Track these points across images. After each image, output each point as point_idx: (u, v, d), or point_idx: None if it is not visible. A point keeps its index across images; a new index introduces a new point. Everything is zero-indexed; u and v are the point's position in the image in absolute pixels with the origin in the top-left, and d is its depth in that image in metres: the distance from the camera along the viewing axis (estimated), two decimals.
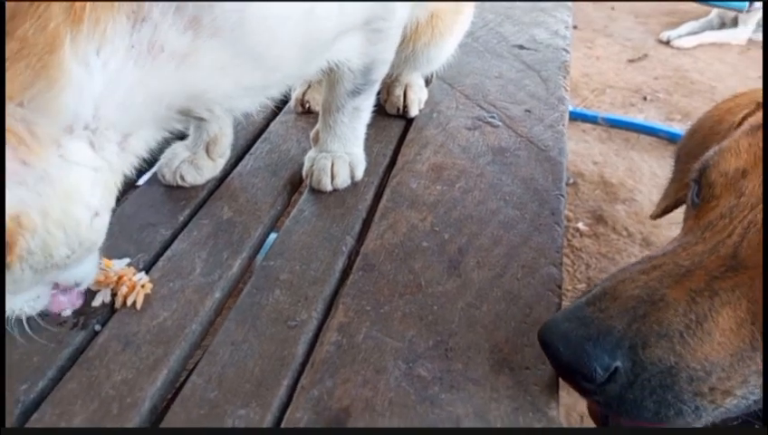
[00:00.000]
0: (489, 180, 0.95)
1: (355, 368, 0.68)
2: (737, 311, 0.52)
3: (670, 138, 2.61)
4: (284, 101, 1.13)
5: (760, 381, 0.53)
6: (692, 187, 0.65)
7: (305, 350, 0.71)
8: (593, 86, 3.14)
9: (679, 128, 2.65)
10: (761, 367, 0.53)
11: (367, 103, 0.89)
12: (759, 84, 0.76)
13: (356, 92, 0.87)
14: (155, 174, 0.95)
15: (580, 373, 0.53)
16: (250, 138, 1.06)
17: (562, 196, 0.92)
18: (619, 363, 0.52)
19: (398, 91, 1.07)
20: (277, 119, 1.10)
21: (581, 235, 2.29)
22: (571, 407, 1.66)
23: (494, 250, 0.84)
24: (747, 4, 3.14)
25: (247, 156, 1.02)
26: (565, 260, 2.20)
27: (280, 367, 0.68)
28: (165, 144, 0.96)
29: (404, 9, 0.85)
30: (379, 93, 1.09)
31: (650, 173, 2.39)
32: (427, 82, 1.15)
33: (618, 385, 0.52)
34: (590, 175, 2.43)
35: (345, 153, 0.92)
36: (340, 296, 0.78)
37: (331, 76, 0.86)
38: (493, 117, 1.07)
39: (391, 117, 1.08)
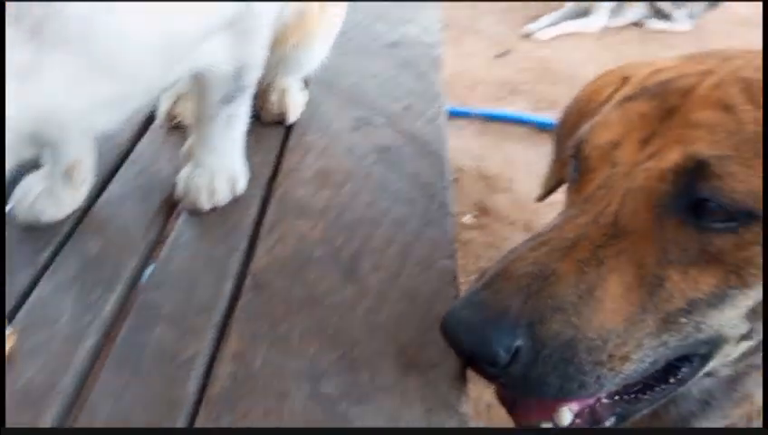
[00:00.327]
0: (377, 180, 0.93)
1: (255, 399, 0.63)
2: (624, 276, 0.53)
3: (540, 126, 2.73)
4: (151, 118, 1.05)
5: (654, 343, 0.54)
6: (571, 163, 0.66)
7: (197, 387, 0.65)
8: (465, 83, 3.24)
9: (547, 116, 2.79)
10: (653, 328, 0.54)
11: (242, 110, 0.84)
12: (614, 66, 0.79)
13: (228, 99, 0.81)
14: (7, 213, 0.84)
15: (485, 358, 0.52)
16: (115, 161, 0.97)
17: (448, 187, 0.92)
18: (520, 343, 0.51)
19: (275, 97, 1.03)
20: (144, 138, 1.02)
21: (468, 228, 2.35)
22: (477, 398, 1.69)
23: (388, 250, 0.81)
24: None
25: (113, 181, 0.93)
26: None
27: (171, 411, 0.62)
28: (16, 177, 0.86)
29: (271, 8, 0.81)
30: (255, 100, 1.04)
31: (525, 161, 2.48)
32: (305, 85, 1.12)
33: (521, 365, 0.52)
34: (470, 169, 2.49)
35: (223, 167, 0.86)
36: (232, 322, 0.72)
37: (199, 84, 0.80)
38: (374, 116, 1.05)
39: (270, 125, 1.04)
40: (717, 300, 0.53)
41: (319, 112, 1.05)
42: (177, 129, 1.00)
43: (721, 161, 0.52)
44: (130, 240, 0.83)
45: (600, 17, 3.64)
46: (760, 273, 0.53)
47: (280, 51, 0.96)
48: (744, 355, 0.63)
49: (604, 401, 0.60)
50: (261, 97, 1.04)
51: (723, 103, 0.56)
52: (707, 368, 0.61)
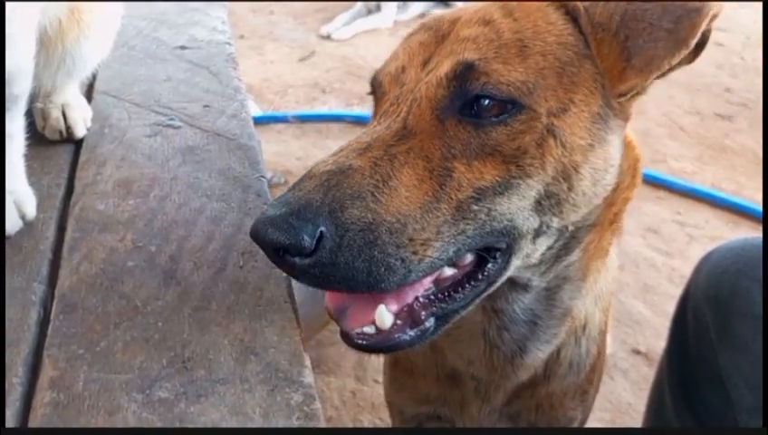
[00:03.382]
0: (185, 181, 0.89)
1: (83, 420, 0.58)
2: (415, 169, 0.58)
3: (355, 120, 2.81)
4: None
5: (452, 231, 0.59)
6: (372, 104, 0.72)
7: (17, 423, 0.58)
8: (275, 89, 3.23)
9: (360, 110, 2.88)
10: (449, 216, 0.58)
11: (15, 127, 0.76)
12: None
13: None
14: None
15: (291, 247, 0.54)
16: None
17: (263, 177, 0.91)
18: (323, 229, 0.54)
19: (57, 113, 0.95)
20: None
21: None
22: (342, 387, 1.70)
23: (208, 247, 0.79)
24: None
25: None
26: None
27: None
28: None
29: (28, 8, 0.74)
30: (36, 119, 0.95)
31: None
32: (89, 100, 1.04)
33: (327, 250, 0.54)
34: (297, 170, 2.50)
35: (6, 192, 0.78)
36: (44, 350, 0.66)
37: None
38: (172, 119, 1.01)
39: (56, 143, 0.95)
40: (503, 188, 0.59)
41: (110, 123, 0.99)
42: None
43: (484, 62, 0.59)
44: None
45: (390, 12, 3.82)
46: (537, 163, 0.59)
47: (59, 49, 0.89)
48: (548, 261, 0.69)
49: (421, 300, 0.63)
50: (41, 116, 0.96)
51: (484, 20, 0.64)
52: (512, 266, 0.65)
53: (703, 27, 0.58)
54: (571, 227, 0.66)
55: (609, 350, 1.76)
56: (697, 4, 0.58)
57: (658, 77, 0.61)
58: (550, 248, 0.67)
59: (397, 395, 0.95)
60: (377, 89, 0.69)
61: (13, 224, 0.78)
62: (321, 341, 1.83)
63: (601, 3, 0.62)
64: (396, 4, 3.84)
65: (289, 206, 0.55)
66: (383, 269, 0.55)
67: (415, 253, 0.56)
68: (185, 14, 1.34)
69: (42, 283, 0.74)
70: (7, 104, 0.73)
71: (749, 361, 0.94)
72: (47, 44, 0.84)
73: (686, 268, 1.04)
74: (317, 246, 0.54)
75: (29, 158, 0.85)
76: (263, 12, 4.11)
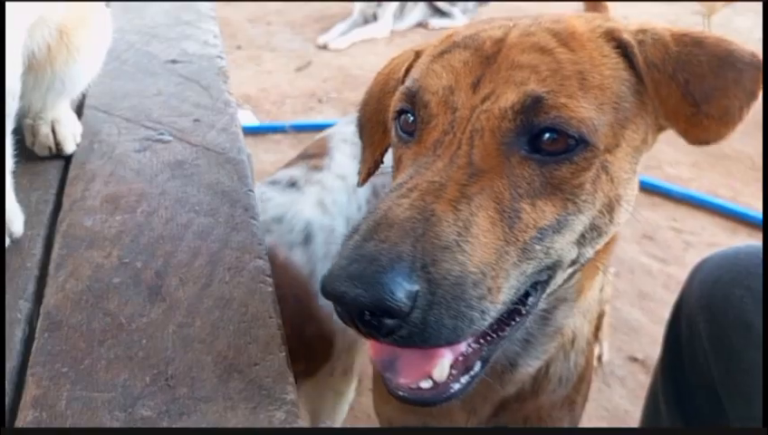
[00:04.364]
0: (173, 196, 0.89)
1: None
2: (489, 211, 0.55)
3: None
4: None
5: (516, 272, 0.57)
6: (395, 124, 0.67)
7: None
8: (272, 99, 3.24)
9: None
10: (515, 259, 0.56)
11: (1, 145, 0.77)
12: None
13: None
14: None
15: (387, 309, 0.48)
16: None
17: (251, 191, 0.91)
18: (417, 287, 0.49)
19: (46, 130, 0.95)
20: None
21: None
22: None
23: (194, 263, 0.79)
24: None
25: None
26: None
27: None
28: None
29: (12, 33, 0.74)
30: (25, 135, 0.96)
31: None
32: (79, 115, 1.04)
33: (421, 310, 0.50)
34: None
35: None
36: (28, 368, 0.66)
37: None
38: (161, 134, 1.01)
39: (47, 158, 0.96)
40: (560, 226, 0.58)
41: (99, 138, 0.99)
42: None
43: (552, 95, 0.57)
44: None
45: (387, 22, 3.84)
46: (590, 199, 0.59)
47: (48, 72, 0.90)
48: (559, 287, 0.69)
49: (473, 346, 0.61)
50: (31, 132, 0.96)
51: (539, 47, 0.60)
52: (546, 295, 0.65)
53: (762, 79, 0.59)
54: (591, 254, 0.66)
55: (605, 357, 1.76)
56: (748, 56, 0.59)
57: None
58: (569, 274, 0.67)
59: (385, 406, 0.95)
60: (420, 109, 0.62)
61: None
62: None
63: (650, 41, 0.61)
64: (393, 13, 3.86)
65: (376, 261, 0.49)
66: (466, 323, 0.52)
67: (492, 301, 0.54)
68: (177, 27, 1.35)
69: (27, 300, 0.74)
70: None
71: (742, 370, 0.93)
72: (36, 68, 0.85)
73: (682, 275, 1.04)
74: (411, 310, 0.49)
75: (18, 174, 0.85)
76: (260, 22, 4.13)
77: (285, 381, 0.64)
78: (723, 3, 3.20)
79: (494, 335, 0.62)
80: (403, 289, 0.48)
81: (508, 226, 0.56)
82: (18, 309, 0.72)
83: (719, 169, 2.59)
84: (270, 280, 0.78)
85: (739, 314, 0.94)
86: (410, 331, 0.50)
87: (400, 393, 0.59)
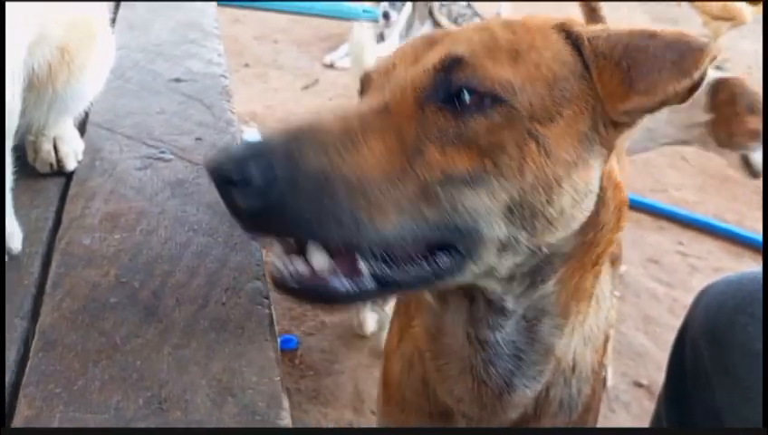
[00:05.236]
0: (173, 215, 0.89)
1: None
2: (386, 141, 0.57)
3: None
4: None
5: (413, 210, 0.57)
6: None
7: None
8: (278, 116, 3.26)
9: None
10: (412, 194, 0.57)
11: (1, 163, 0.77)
12: None
13: None
14: None
15: (239, 179, 0.52)
16: None
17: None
18: (278, 171, 0.52)
19: (48, 146, 0.95)
20: None
21: None
22: (339, 418, 1.68)
23: (192, 283, 0.78)
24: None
25: None
26: None
27: None
28: None
29: (12, 51, 0.75)
30: (26, 151, 0.96)
31: None
32: (82, 132, 1.05)
33: (277, 193, 0.53)
34: None
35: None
36: (21, 389, 0.65)
37: None
38: (163, 152, 1.01)
39: (47, 176, 0.96)
40: (473, 181, 0.58)
41: (101, 156, 0.99)
42: None
43: (473, 57, 0.60)
44: None
45: (393, 42, 3.86)
46: (515, 164, 0.59)
47: (49, 91, 0.90)
48: (521, 282, 0.68)
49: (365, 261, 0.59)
50: (32, 148, 0.96)
51: (480, 27, 0.65)
52: (467, 271, 0.63)
53: (706, 64, 0.59)
54: (544, 250, 0.65)
55: (609, 383, 1.74)
56: (701, 42, 0.60)
57: (654, 109, 0.62)
58: (519, 266, 0.66)
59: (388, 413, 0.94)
60: (365, 84, 0.68)
61: None
62: (318, 371, 1.81)
63: (604, 35, 0.63)
64: (400, 33, 3.89)
65: (250, 145, 0.54)
66: (335, 223, 0.54)
67: (369, 217, 0.55)
68: (182, 45, 1.36)
69: (24, 318, 0.73)
70: None
71: (746, 397, 0.92)
72: (37, 85, 0.85)
73: (688, 299, 1.03)
74: (268, 188, 0.52)
75: (18, 190, 0.85)
76: (267, 40, 4.16)
77: (279, 406, 0.63)
78: (728, 25, 3.21)
79: (391, 260, 0.60)
80: (259, 166, 0.52)
81: (407, 159, 0.57)
82: (15, 327, 0.72)
83: (725, 192, 2.58)
84: (267, 301, 0.77)
85: (743, 340, 0.93)
86: (270, 211, 0.53)
87: (275, 276, 0.58)
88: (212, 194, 0.93)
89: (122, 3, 1.52)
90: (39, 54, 0.85)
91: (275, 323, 0.74)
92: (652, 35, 0.62)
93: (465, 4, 3.97)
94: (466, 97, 0.59)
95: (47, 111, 0.92)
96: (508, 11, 4.17)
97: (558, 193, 0.61)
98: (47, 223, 0.87)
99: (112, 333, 0.71)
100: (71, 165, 0.96)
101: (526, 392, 0.79)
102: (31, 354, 0.68)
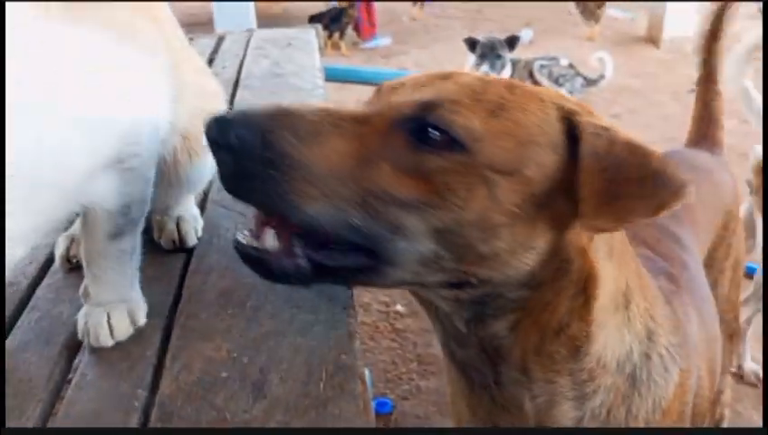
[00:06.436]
0: (280, 292, 0.95)
1: None
2: (348, 144, 0.63)
3: None
4: (49, 262, 1.05)
5: (348, 208, 0.61)
6: None
7: None
8: None
9: None
10: (350, 196, 0.61)
11: (132, 245, 0.86)
12: None
13: (118, 235, 0.83)
14: None
15: (224, 145, 0.60)
16: (16, 308, 0.96)
17: (350, 288, 0.95)
18: (250, 138, 0.60)
19: (172, 225, 1.05)
20: (44, 283, 1.01)
21: (401, 316, 2.37)
22: None
23: (295, 360, 0.83)
24: None
25: (14, 330, 0.92)
26: (392, 344, 2.25)
27: None
28: None
29: (154, 144, 0.85)
30: (153, 230, 1.06)
31: None
32: (202, 209, 1.15)
33: (246, 152, 0.60)
34: None
35: (120, 301, 0.87)
36: None
37: (87, 220, 0.82)
38: None
39: (170, 252, 1.05)
40: (411, 205, 0.62)
41: (218, 233, 1.08)
42: (75, 270, 1.00)
43: (454, 104, 0.63)
44: (33, 387, 0.82)
45: None
46: (460, 202, 0.62)
47: (171, 177, 0.99)
48: (467, 311, 0.70)
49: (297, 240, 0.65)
50: (158, 227, 1.07)
51: (483, 78, 0.69)
52: (387, 275, 0.66)
53: (675, 207, 0.63)
54: (475, 280, 0.66)
55: None
56: (679, 182, 0.63)
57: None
58: (457, 289, 0.68)
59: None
60: (374, 94, 0.74)
61: (125, 331, 0.87)
62: None
63: (606, 136, 0.65)
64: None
65: (239, 114, 0.63)
66: (278, 197, 0.61)
67: (309, 202, 0.61)
68: None
69: (145, 389, 0.80)
70: (127, 227, 0.83)
71: None
72: (164, 171, 0.95)
73: None
74: (240, 154, 0.60)
75: (144, 264, 0.94)
76: None
77: None
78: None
79: (319, 249, 0.65)
80: (235, 132, 0.60)
81: (359, 166, 0.62)
82: (137, 397, 0.79)
83: None
84: (358, 381, 0.80)
85: None
86: (238, 175, 0.61)
87: (237, 245, 0.66)
88: None
89: (239, 87, 1.66)
90: (169, 144, 0.95)
91: (372, 404, 0.77)
92: (643, 155, 0.64)
93: (566, 64, 3.97)
94: (433, 135, 0.63)
95: (171, 193, 1.02)
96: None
97: (495, 236, 0.64)
98: (169, 297, 0.96)
99: (223, 408, 0.76)
100: (191, 242, 1.05)
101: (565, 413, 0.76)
102: (150, 424, 0.75)
